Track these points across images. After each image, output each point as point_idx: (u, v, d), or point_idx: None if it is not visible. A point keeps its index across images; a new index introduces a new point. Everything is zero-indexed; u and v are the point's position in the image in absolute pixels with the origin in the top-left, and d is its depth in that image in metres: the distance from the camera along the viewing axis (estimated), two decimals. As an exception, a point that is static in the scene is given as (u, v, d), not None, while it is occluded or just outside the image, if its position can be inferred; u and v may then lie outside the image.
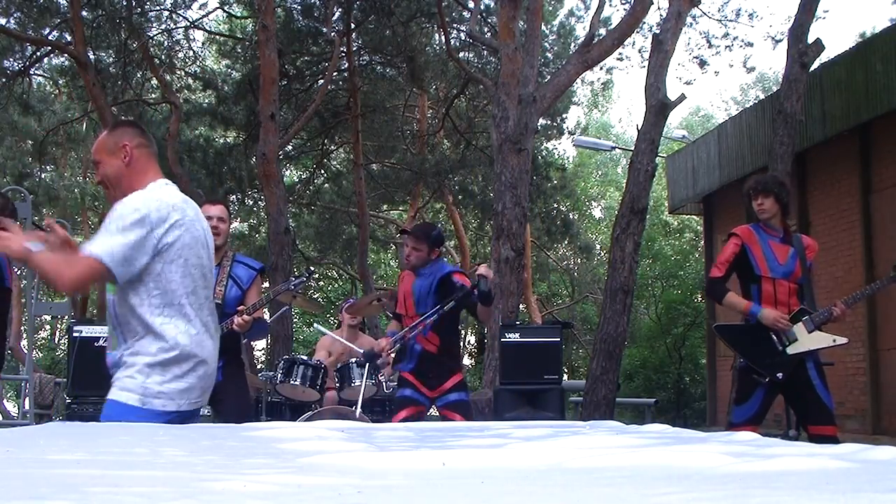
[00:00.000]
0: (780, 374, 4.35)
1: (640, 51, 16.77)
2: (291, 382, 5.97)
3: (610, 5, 15.60)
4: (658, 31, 10.22)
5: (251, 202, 20.80)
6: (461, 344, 5.30)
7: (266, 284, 11.93)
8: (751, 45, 23.70)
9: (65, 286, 2.80)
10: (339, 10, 15.72)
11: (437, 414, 4.98)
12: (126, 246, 2.72)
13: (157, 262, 2.81)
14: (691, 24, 16.06)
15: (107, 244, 2.72)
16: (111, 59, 15.94)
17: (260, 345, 21.69)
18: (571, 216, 24.27)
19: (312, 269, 5.49)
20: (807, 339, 4.40)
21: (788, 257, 4.45)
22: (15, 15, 14.72)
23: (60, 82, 17.98)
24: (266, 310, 5.82)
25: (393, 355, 4.82)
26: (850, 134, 10.25)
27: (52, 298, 13.52)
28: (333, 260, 23.78)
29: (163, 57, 16.44)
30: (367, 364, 5.25)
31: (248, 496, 0.94)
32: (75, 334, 6.35)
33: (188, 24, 16.70)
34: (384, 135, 18.91)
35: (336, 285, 29.98)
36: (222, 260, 4.40)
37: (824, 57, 9.94)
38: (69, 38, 13.89)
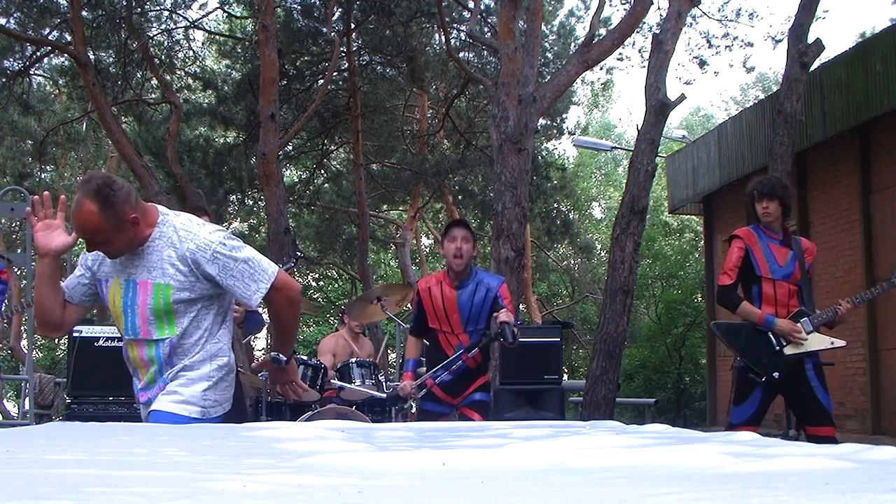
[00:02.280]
0: (776, 374, 4.35)
1: (640, 51, 16.76)
2: (291, 382, 5.96)
3: (610, 5, 15.59)
4: (658, 31, 10.21)
5: (251, 202, 20.79)
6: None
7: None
8: (751, 45, 23.71)
9: (298, 293, 2.97)
10: (339, 10, 15.71)
11: (458, 413, 4.77)
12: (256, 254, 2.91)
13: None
14: (691, 24, 16.05)
15: (265, 260, 2.89)
16: (111, 59, 15.92)
17: (260, 345, 21.68)
18: (571, 216, 24.26)
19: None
20: (805, 341, 4.40)
21: (788, 259, 4.46)
22: (15, 15, 14.71)
23: (60, 82, 17.96)
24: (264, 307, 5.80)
25: (418, 395, 4.52)
26: (850, 134, 10.25)
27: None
28: (333, 260, 23.77)
29: (163, 57, 16.42)
30: (392, 405, 5.08)
31: (248, 496, 0.94)
32: (75, 334, 6.35)
33: (188, 24, 16.68)
34: (384, 135, 18.89)
35: (336, 285, 29.99)
36: None
37: (824, 57, 9.94)
38: (69, 38, 13.87)
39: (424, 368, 4.85)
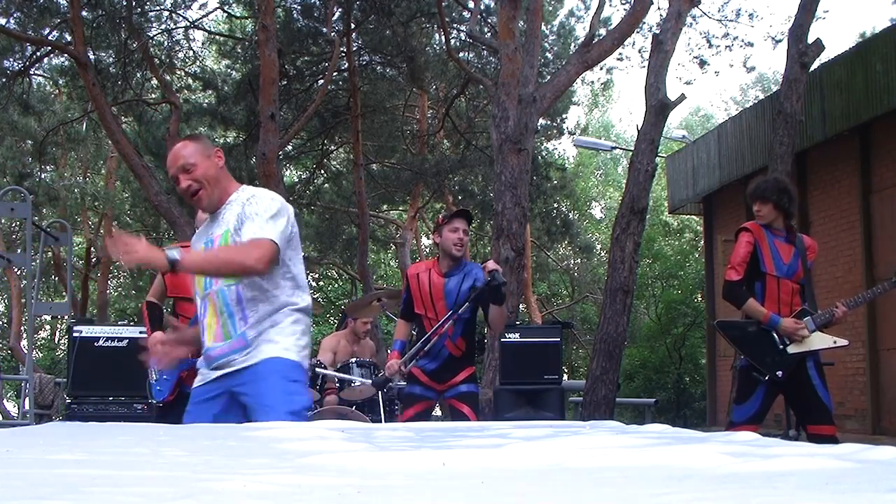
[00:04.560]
0: (779, 373, 4.35)
1: (640, 51, 16.76)
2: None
3: (610, 5, 15.59)
4: (658, 31, 10.21)
5: (251, 202, 20.77)
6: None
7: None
8: (751, 45, 23.67)
9: (256, 267, 2.93)
10: (339, 10, 15.71)
11: (446, 405, 4.84)
12: (284, 231, 3.03)
13: (288, 249, 3.09)
14: (691, 24, 16.05)
15: (273, 229, 2.98)
16: (111, 59, 15.92)
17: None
18: (571, 216, 24.27)
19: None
20: (808, 340, 4.41)
21: (792, 257, 4.46)
22: (15, 15, 14.70)
23: (60, 82, 17.95)
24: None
25: (406, 371, 4.58)
26: (850, 134, 10.25)
27: (52, 298, 13.50)
28: (333, 260, 23.77)
29: (163, 57, 16.42)
30: (379, 388, 5.06)
31: (248, 496, 0.94)
32: (75, 334, 6.35)
33: (188, 24, 16.68)
34: (384, 135, 18.89)
35: (336, 285, 29.98)
36: None
37: (824, 57, 9.94)
38: (69, 38, 13.87)
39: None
